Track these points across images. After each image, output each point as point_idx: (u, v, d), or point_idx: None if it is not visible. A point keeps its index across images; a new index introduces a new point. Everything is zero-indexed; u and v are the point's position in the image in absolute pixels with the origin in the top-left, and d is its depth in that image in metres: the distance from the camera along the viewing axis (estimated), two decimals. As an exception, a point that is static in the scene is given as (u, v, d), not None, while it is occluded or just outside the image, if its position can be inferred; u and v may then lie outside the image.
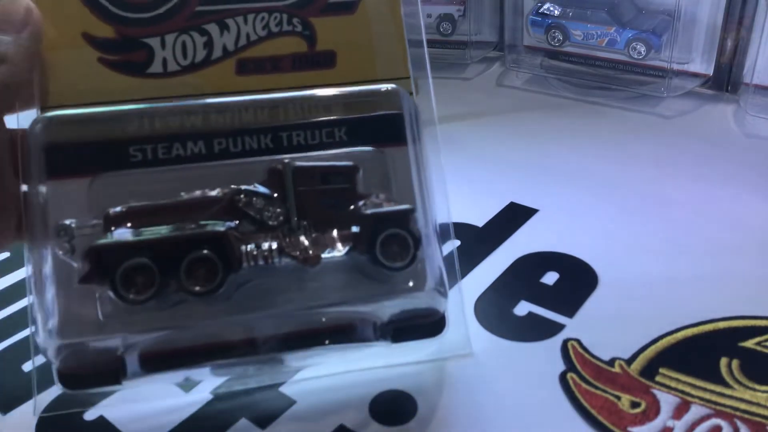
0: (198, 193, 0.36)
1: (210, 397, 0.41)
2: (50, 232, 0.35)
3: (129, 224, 0.35)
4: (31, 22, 0.36)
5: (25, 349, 0.44)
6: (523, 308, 0.47)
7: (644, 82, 0.74)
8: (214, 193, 0.36)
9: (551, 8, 0.77)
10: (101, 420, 0.40)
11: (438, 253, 0.39)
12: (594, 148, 0.67)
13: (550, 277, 0.50)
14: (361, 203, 0.37)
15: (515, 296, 0.48)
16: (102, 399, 0.41)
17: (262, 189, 0.37)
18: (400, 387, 0.41)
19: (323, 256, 0.36)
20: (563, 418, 0.39)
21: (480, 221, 0.57)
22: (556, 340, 0.44)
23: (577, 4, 0.75)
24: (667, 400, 0.40)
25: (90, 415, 0.41)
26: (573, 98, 0.76)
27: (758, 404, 0.39)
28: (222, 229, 0.35)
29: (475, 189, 0.60)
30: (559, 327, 0.45)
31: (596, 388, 0.41)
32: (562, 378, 0.41)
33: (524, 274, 0.51)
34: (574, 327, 0.45)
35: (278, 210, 0.36)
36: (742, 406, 0.39)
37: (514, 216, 0.57)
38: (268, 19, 0.40)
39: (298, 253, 0.36)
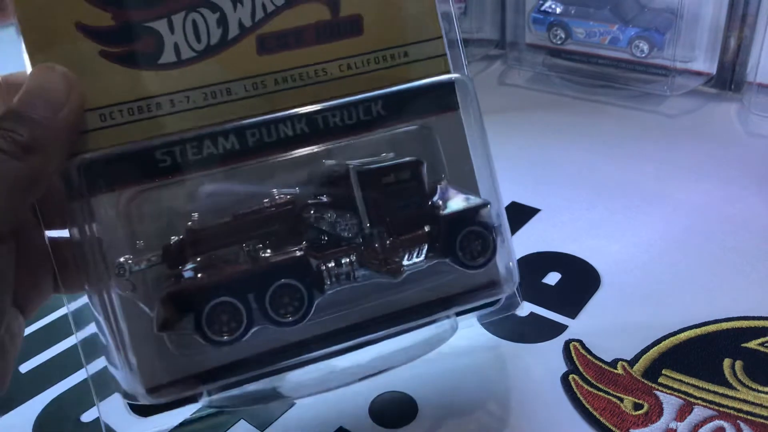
0: (255, 206, 0.34)
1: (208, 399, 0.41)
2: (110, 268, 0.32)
3: (192, 254, 0.33)
4: (72, 98, 0.31)
5: (21, 351, 0.44)
6: (524, 309, 0.47)
7: (647, 80, 0.74)
8: (271, 202, 0.34)
9: (553, 6, 0.76)
10: (98, 422, 0.40)
11: (509, 237, 0.38)
12: (596, 147, 0.66)
13: (552, 278, 0.50)
14: (432, 200, 0.36)
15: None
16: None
17: (325, 198, 0.35)
18: (400, 388, 0.41)
19: (405, 263, 0.35)
20: (565, 420, 0.39)
21: (481, 221, 0.56)
22: (558, 341, 0.44)
23: (579, 1, 0.75)
24: (669, 402, 0.39)
25: (87, 416, 0.40)
26: (575, 97, 0.76)
27: (761, 405, 0.39)
28: (300, 253, 0.33)
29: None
30: (562, 328, 0.45)
31: (598, 389, 0.40)
32: (564, 379, 0.41)
33: (526, 275, 0.50)
34: (576, 328, 0.45)
35: (353, 221, 0.34)
36: (746, 407, 0.39)
37: (515, 215, 0.57)
38: None
39: (379, 263, 0.34)
